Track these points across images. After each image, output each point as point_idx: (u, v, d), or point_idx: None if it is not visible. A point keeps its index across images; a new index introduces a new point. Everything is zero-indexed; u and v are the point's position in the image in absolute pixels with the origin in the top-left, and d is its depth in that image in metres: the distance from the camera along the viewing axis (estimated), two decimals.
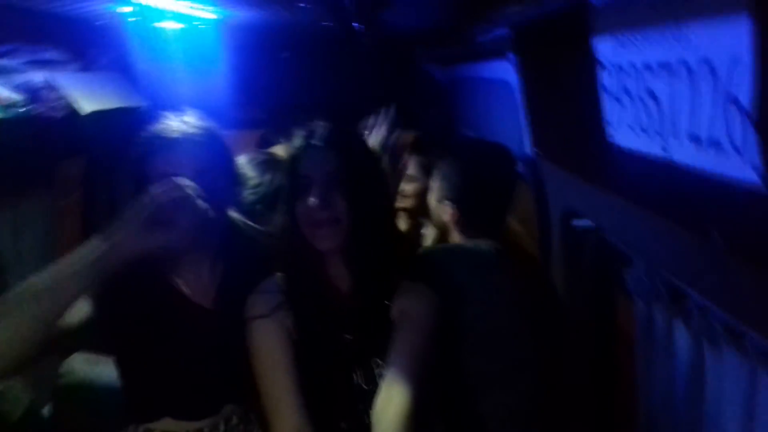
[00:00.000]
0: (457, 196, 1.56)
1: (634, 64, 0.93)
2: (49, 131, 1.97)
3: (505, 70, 1.95)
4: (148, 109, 2.55)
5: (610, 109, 1.07)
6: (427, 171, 2.15)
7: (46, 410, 2.04)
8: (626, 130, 1.02)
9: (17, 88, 1.84)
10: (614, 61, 1.00)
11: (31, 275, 2.68)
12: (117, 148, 2.70)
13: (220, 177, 1.30)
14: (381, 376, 1.27)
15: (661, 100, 0.88)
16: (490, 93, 2.32)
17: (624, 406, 1.52)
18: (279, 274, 1.34)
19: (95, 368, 1.88)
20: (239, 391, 1.35)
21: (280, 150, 2.12)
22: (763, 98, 0.66)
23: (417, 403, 1.17)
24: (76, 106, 2.03)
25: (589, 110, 1.15)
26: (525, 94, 1.67)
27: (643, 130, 0.95)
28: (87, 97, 2.08)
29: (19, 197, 2.42)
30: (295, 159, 1.28)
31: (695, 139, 0.81)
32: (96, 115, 2.10)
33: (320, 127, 1.28)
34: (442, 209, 1.62)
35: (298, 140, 1.29)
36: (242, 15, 1.53)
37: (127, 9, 1.50)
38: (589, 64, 1.10)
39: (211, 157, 1.30)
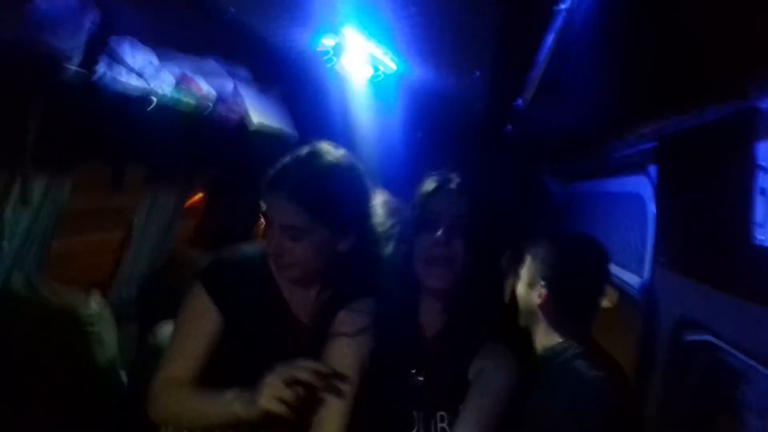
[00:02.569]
0: (551, 277, 1.56)
1: None
2: (222, 131, 2.28)
3: (637, 183, 2.01)
4: (299, 140, 2.87)
5: (764, 211, 1.09)
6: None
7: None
8: None
9: (211, 86, 2.18)
10: None
11: (147, 252, 2.89)
12: (261, 165, 3.03)
13: (346, 208, 1.34)
14: (442, 430, 1.25)
15: None
16: (613, 207, 2.37)
17: None
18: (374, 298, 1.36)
19: None
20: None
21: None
22: None
23: None
24: (247, 118, 2.34)
25: (738, 215, 1.18)
26: (660, 204, 1.71)
27: None
28: (260, 114, 2.40)
29: (163, 182, 2.74)
30: (427, 196, 1.34)
31: None
32: (259, 131, 2.41)
33: (456, 175, 1.36)
34: (532, 294, 1.61)
35: (433, 181, 1.36)
36: (418, 72, 1.75)
37: (329, 42, 1.77)
38: (747, 170, 1.15)
39: (339, 190, 1.33)
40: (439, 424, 1.26)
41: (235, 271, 1.40)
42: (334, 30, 1.71)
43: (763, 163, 1.11)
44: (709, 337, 1.38)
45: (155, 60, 1.77)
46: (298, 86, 2.63)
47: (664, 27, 1.05)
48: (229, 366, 1.36)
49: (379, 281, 1.38)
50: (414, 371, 1.30)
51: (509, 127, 2.34)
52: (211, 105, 2.11)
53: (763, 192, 1.10)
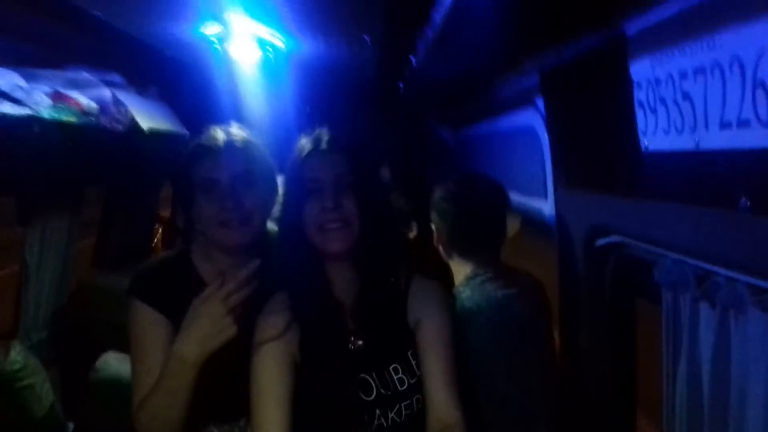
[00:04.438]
0: (446, 216, 1.72)
1: (670, 75, 1.14)
2: (110, 143, 2.13)
3: (527, 116, 2.19)
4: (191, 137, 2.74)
5: (644, 120, 1.27)
6: None
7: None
8: (660, 135, 1.22)
9: (89, 98, 2.03)
10: (651, 77, 1.22)
11: (48, 286, 2.74)
12: (154, 171, 2.88)
13: (258, 182, 1.41)
14: (401, 381, 1.29)
15: (694, 99, 1.08)
16: (508, 143, 2.56)
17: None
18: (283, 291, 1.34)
19: (126, 366, 1.90)
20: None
21: None
22: None
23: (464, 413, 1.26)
24: (137, 123, 2.21)
25: (623, 127, 1.36)
26: (552, 131, 1.89)
27: (677, 130, 1.15)
28: (146, 117, 2.27)
29: (53, 208, 2.54)
30: (302, 163, 1.31)
31: (726, 125, 1.00)
32: (152, 134, 2.28)
33: (326, 132, 1.34)
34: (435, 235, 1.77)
35: (305, 145, 1.33)
36: (308, 46, 1.75)
37: (213, 30, 1.72)
38: (624, 86, 1.32)
39: (250, 162, 1.40)
40: (396, 376, 1.29)
41: (159, 273, 1.43)
42: (217, 17, 1.66)
43: (636, 79, 1.27)
44: (618, 238, 1.58)
45: (22, 82, 1.61)
46: (178, 82, 2.50)
47: None
48: None
49: (283, 257, 1.38)
50: (352, 338, 1.32)
51: (401, 85, 2.42)
52: (94, 118, 1.97)
53: (640, 104, 1.28)
